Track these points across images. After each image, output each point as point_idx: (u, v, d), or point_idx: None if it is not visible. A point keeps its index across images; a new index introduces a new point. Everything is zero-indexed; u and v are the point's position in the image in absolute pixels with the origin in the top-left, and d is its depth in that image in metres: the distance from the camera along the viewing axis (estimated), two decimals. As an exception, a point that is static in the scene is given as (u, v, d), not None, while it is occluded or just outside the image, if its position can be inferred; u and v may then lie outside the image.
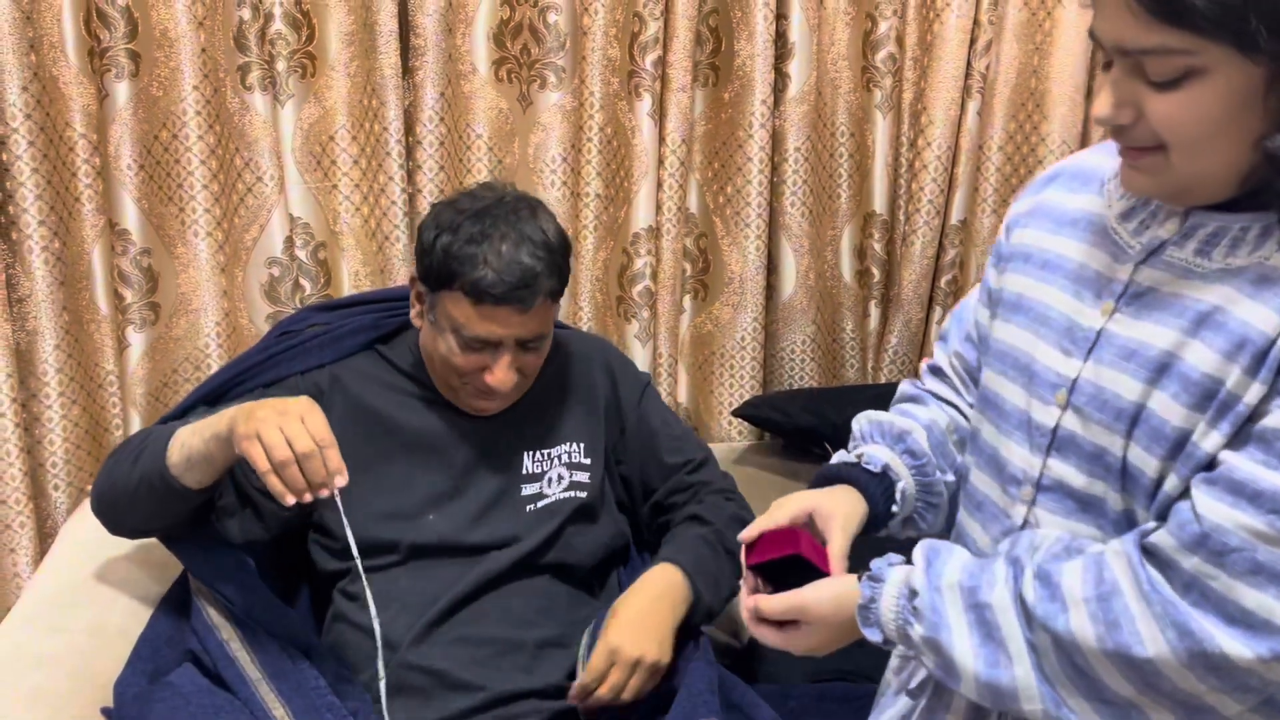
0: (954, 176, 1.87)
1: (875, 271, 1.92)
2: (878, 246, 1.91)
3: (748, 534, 0.96)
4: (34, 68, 1.51)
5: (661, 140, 1.76)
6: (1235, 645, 0.73)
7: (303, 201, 1.67)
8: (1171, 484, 0.79)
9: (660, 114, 1.74)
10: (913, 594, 0.85)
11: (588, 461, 1.38)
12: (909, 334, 1.96)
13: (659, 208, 1.78)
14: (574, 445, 1.38)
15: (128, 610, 1.33)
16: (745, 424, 1.94)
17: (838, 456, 1.07)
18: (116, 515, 1.28)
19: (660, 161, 1.76)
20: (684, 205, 1.81)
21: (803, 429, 1.75)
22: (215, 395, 1.36)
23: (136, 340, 1.65)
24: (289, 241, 1.66)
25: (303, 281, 1.68)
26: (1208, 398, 0.76)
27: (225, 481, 1.27)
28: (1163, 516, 0.80)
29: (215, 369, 1.69)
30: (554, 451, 1.37)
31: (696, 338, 1.94)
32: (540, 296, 1.24)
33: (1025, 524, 0.89)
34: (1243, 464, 0.74)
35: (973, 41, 1.80)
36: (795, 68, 1.77)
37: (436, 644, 1.28)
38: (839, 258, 1.92)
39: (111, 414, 1.68)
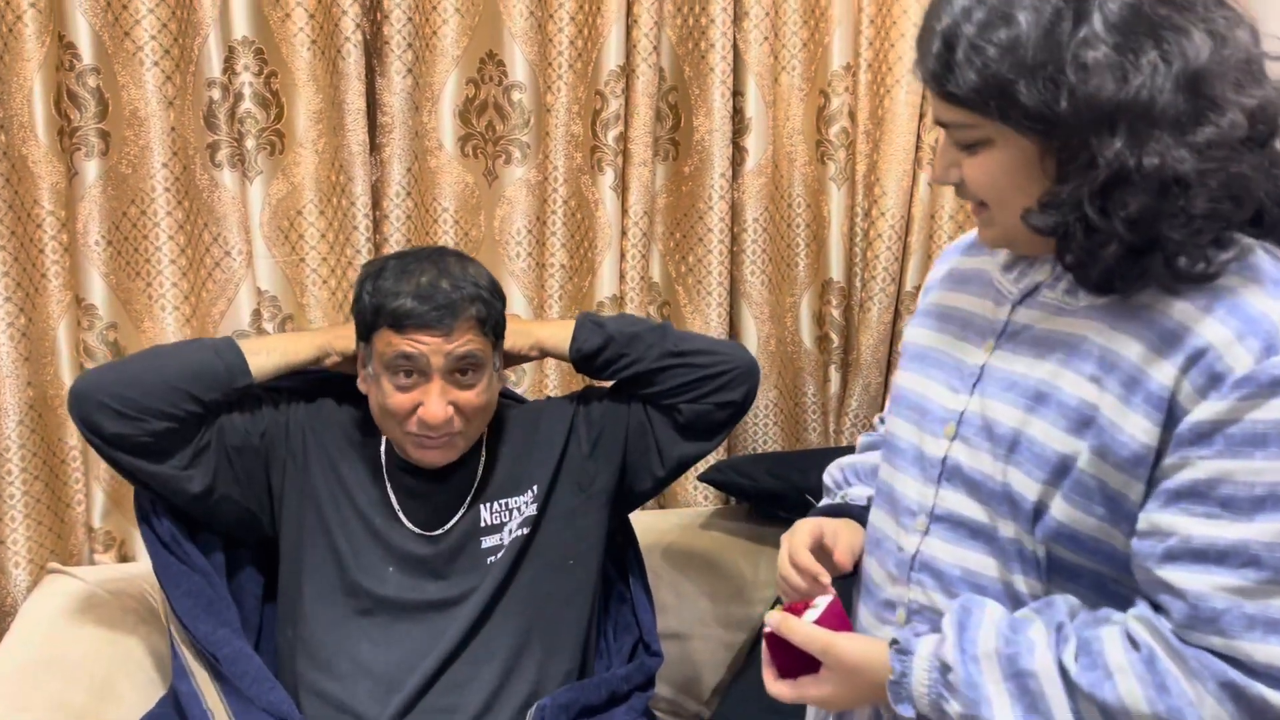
0: (907, 244, 1.93)
1: (834, 337, 1.97)
2: (836, 313, 1.96)
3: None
4: (3, 147, 1.53)
5: (624, 212, 1.80)
6: (1275, 694, 0.75)
7: (270, 275, 1.69)
8: (1058, 508, 0.83)
9: (622, 187, 1.79)
10: (945, 668, 0.85)
11: (533, 502, 1.40)
12: (869, 397, 2.00)
13: (622, 277, 1.82)
14: (526, 494, 1.40)
15: (90, 688, 1.32)
16: (711, 489, 1.96)
17: (825, 502, 1.12)
18: (133, 390, 1.28)
19: (623, 233, 1.81)
20: (647, 274, 1.85)
21: (767, 493, 1.77)
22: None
23: (101, 415, 1.65)
24: (256, 314, 1.68)
25: (270, 354, 1.70)
26: (1085, 424, 0.81)
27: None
28: (1050, 540, 0.84)
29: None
30: (512, 502, 1.38)
31: (661, 404, 1.96)
32: (460, 319, 1.27)
33: (917, 553, 0.93)
34: (1192, 526, 0.77)
35: (921, 116, 1.87)
36: (752, 142, 1.84)
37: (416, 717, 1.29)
38: (799, 324, 1.97)
39: (74, 490, 1.67)
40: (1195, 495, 0.78)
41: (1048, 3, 0.76)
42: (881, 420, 1.18)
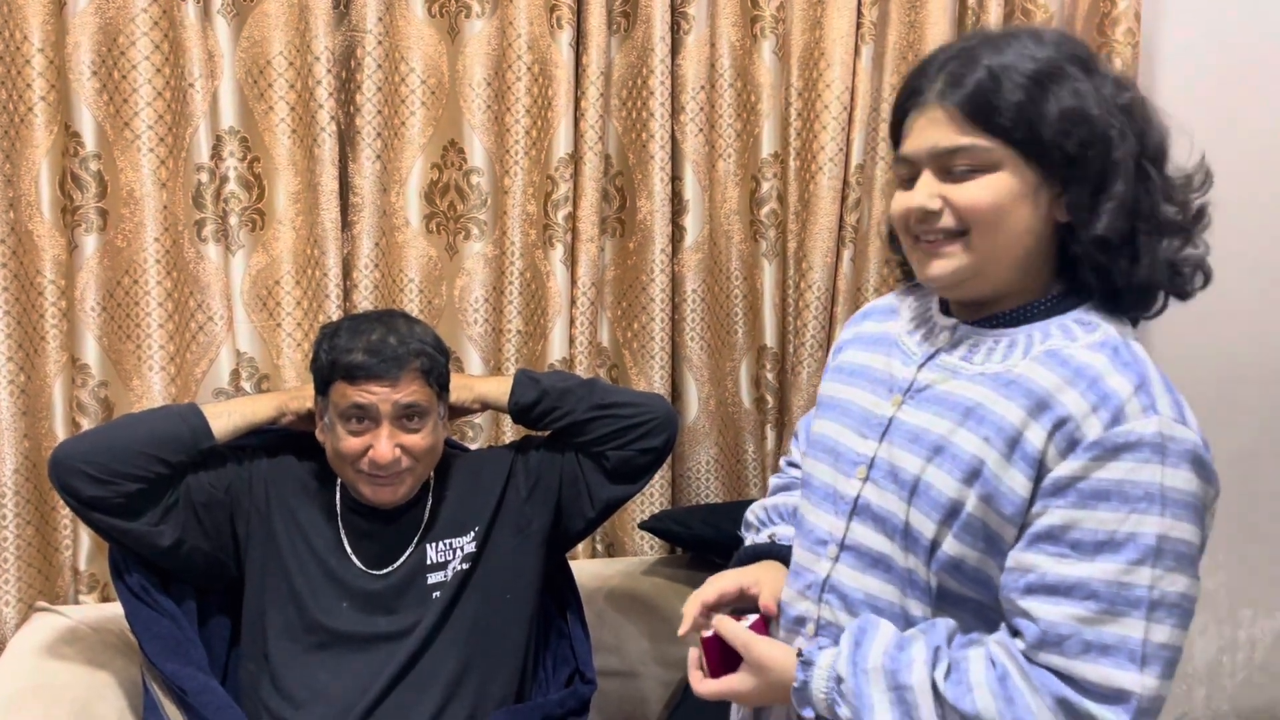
0: (833, 315, 2.11)
1: (769, 398, 2.14)
2: (770, 376, 2.13)
3: (695, 608, 1.12)
4: (11, 223, 1.71)
5: (573, 283, 1.98)
6: (1104, 711, 0.89)
7: (249, 339, 1.85)
8: (949, 544, 0.97)
9: (572, 261, 1.97)
10: (839, 679, 0.98)
11: (473, 539, 1.54)
12: (802, 454, 2.16)
13: (572, 342, 2.00)
14: (469, 534, 1.54)
15: (72, 710, 1.45)
16: (656, 539, 2.11)
17: (750, 539, 1.26)
18: (105, 456, 1.41)
19: (572, 302, 1.99)
20: (595, 340, 2.03)
21: (701, 539, 1.93)
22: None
23: (90, 465, 1.80)
24: (235, 374, 1.84)
25: (247, 410, 1.86)
26: (974, 475, 0.96)
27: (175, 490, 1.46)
28: (940, 571, 0.98)
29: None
30: (454, 542, 1.53)
31: (610, 460, 2.12)
32: (406, 371, 1.42)
33: (828, 578, 1.07)
34: (1048, 564, 0.92)
35: (844, 199, 2.07)
36: (689, 221, 2.03)
37: None
38: (738, 386, 2.14)
39: (63, 535, 1.81)
40: (1051, 538, 0.92)
41: (1091, 78, 0.95)
42: (790, 464, 1.33)
